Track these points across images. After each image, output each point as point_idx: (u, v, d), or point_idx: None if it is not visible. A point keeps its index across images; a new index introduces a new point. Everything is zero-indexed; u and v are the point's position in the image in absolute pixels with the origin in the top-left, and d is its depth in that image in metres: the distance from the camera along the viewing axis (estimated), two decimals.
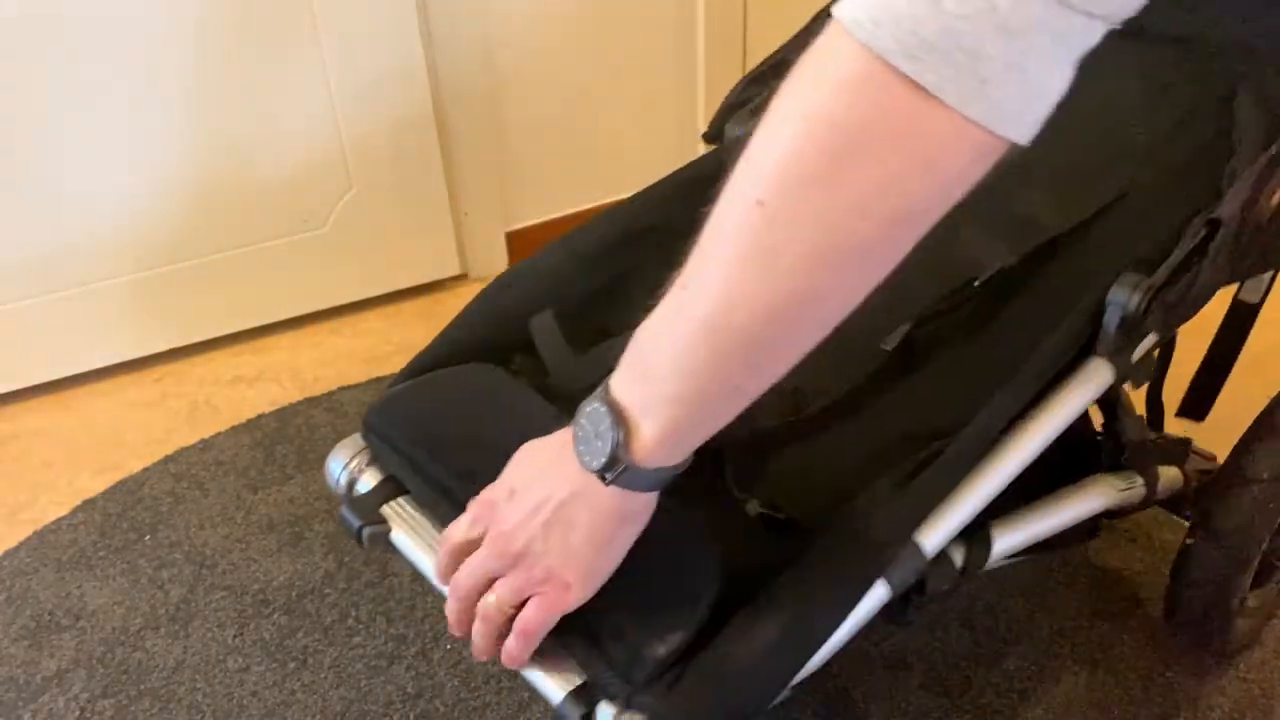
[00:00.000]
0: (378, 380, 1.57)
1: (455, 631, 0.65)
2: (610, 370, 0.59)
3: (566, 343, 0.80)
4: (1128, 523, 1.21)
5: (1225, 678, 1.07)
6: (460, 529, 0.64)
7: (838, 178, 0.47)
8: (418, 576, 0.76)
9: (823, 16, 0.96)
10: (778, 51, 1.00)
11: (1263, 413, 0.96)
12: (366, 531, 0.75)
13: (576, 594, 0.61)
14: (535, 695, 0.73)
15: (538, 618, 0.61)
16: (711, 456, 0.72)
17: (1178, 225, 0.71)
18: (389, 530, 0.76)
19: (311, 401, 1.53)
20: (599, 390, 0.58)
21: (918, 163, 0.46)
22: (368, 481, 0.79)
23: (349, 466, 0.80)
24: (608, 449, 0.56)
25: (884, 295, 0.81)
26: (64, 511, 1.36)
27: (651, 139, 1.86)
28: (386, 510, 0.76)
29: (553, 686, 0.64)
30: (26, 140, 1.41)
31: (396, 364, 1.60)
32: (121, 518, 1.34)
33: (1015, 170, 0.89)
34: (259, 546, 1.28)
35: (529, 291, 0.86)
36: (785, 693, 0.66)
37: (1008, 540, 0.79)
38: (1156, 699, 1.05)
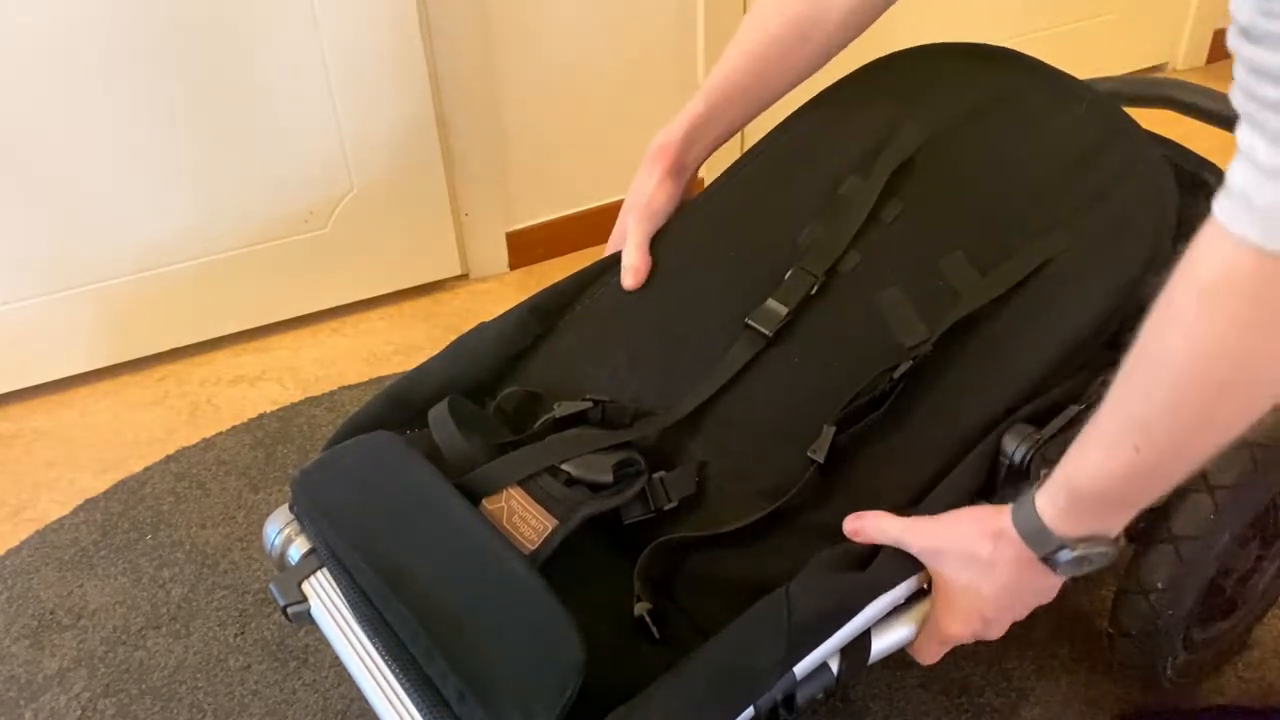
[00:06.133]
0: (378, 380, 1.57)
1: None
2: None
3: (467, 421, 0.83)
4: None
5: (1224, 678, 1.07)
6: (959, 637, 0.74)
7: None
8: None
9: None
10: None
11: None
12: (291, 611, 0.79)
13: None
14: None
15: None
16: (628, 554, 0.76)
17: (1093, 312, 0.70)
18: (310, 607, 0.79)
19: (313, 401, 1.53)
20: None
21: None
22: (298, 549, 0.83)
23: (280, 535, 0.84)
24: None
25: (808, 392, 0.82)
26: (65, 511, 1.36)
27: (651, 139, 1.86)
28: (306, 587, 0.80)
29: None
30: (27, 141, 1.41)
31: (397, 364, 1.61)
32: (123, 517, 1.34)
33: (939, 227, 0.84)
34: (260, 546, 1.28)
35: (448, 356, 0.91)
36: None
37: (889, 639, 0.76)
38: (1154, 699, 1.05)
